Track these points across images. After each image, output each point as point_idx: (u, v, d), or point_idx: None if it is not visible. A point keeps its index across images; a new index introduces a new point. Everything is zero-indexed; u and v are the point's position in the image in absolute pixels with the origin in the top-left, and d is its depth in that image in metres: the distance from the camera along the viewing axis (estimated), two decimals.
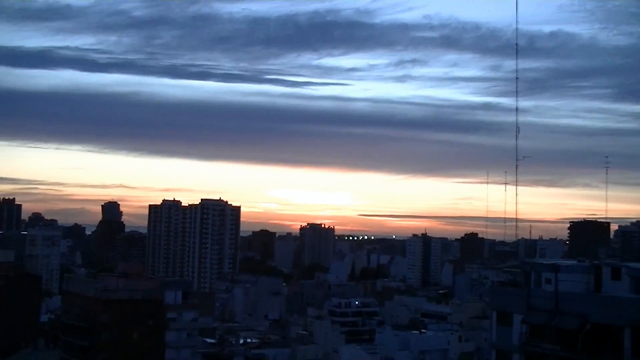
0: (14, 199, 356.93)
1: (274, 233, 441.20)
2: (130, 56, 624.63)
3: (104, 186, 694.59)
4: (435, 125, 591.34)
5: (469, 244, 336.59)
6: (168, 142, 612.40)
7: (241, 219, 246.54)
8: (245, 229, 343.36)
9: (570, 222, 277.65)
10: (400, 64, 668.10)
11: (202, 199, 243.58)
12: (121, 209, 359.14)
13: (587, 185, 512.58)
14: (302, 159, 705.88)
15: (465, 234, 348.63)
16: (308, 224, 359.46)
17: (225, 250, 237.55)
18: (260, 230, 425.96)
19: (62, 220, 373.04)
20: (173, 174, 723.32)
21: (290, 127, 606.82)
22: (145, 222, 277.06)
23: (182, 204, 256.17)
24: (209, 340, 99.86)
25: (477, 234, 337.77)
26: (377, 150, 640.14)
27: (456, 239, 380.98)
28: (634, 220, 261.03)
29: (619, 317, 34.88)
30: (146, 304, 65.46)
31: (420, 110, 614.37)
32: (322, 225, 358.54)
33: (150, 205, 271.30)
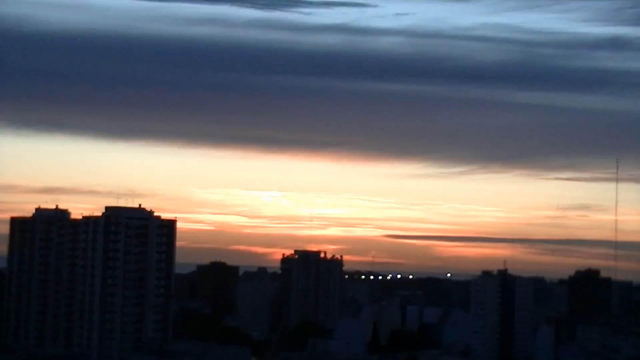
0: None
1: (236, 268, 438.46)
2: None
3: None
4: (521, 78, 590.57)
5: (583, 290, 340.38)
6: (44, 106, 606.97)
7: (178, 243, 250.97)
8: (185, 261, 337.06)
9: None
10: None
11: (107, 207, 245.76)
12: None
13: None
14: (286, 139, 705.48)
15: (577, 272, 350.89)
16: (296, 251, 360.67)
17: (149, 298, 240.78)
18: (212, 264, 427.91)
19: None
20: (54, 164, 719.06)
21: (266, 80, 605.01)
22: (4, 248, 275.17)
23: (72, 215, 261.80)
24: None
25: (598, 270, 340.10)
26: (418, 123, 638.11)
27: (561, 281, 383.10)
28: None
29: None
30: None
31: (496, 52, 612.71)
32: (322, 255, 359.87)
33: (12, 217, 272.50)
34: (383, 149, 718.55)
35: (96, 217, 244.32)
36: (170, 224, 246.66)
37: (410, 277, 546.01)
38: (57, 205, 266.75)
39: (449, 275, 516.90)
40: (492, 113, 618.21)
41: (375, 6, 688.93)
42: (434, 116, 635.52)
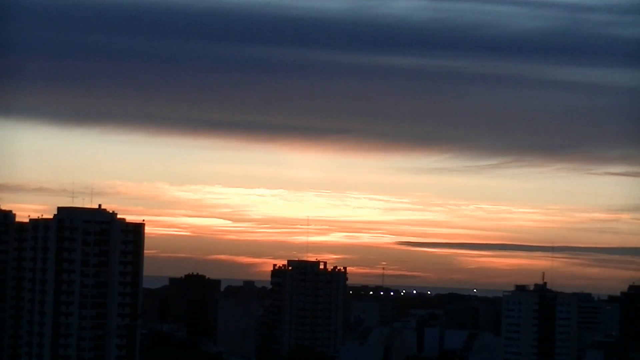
0: None
1: (217, 282, 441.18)
2: None
3: None
4: (565, 51, 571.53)
5: (638, 308, 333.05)
6: None
7: (147, 252, 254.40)
8: (156, 273, 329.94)
9: None
10: None
11: (59, 208, 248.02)
12: None
13: None
14: (278, 124, 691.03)
15: (631, 287, 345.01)
16: (290, 261, 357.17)
17: (112, 319, 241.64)
18: (188, 277, 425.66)
19: None
20: None
21: (253, 53, 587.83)
22: None
23: (17, 218, 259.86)
24: None
25: None
26: (440, 106, 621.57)
27: (611, 297, 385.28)
28: None
29: None
30: None
31: (535, 18, 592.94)
32: (322, 266, 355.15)
33: None
34: (396, 137, 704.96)
35: (47, 220, 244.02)
36: (137, 228, 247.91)
37: (429, 293, 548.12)
38: None
39: (475, 291, 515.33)
40: (529, 93, 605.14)
41: None
42: (459, 97, 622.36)
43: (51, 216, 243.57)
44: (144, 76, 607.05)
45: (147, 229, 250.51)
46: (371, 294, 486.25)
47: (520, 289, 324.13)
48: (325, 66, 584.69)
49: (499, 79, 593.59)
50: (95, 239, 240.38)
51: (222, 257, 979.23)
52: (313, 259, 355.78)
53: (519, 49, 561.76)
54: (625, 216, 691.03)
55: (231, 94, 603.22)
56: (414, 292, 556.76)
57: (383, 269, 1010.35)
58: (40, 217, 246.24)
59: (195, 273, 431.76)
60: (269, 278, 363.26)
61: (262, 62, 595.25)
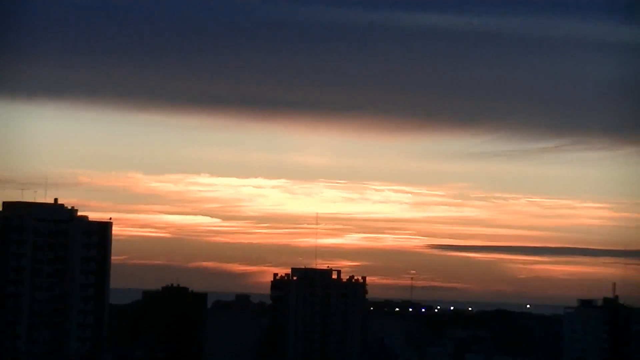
0: None
1: (203, 295, 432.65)
2: None
3: None
4: (634, 7, 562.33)
5: None
6: None
7: (115, 258, 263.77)
8: (126, 285, 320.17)
9: None
10: None
11: (5, 203, 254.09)
12: None
13: None
14: (280, 100, 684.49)
15: None
16: (295, 270, 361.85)
17: (70, 342, 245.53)
18: (166, 289, 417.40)
19: None
20: None
21: (250, 13, 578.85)
22: None
23: None
24: None
25: None
26: (479, 75, 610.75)
27: None
28: None
29: None
30: None
31: None
32: (334, 275, 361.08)
33: None
34: (427, 114, 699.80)
35: None
36: (103, 228, 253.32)
37: (470, 309, 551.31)
38: None
39: (528, 306, 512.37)
40: (593, 59, 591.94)
41: None
42: (507, 64, 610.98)
43: None
44: (115, 42, 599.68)
45: (115, 229, 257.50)
46: (397, 311, 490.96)
47: (586, 304, 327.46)
48: (336, 25, 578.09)
49: (557, 42, 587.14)
50: (50, 242, 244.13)
51: (209, 264, 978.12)
52: (323, 267, 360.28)
53: (576, 5, 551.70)
54: None
55: (222, 64, 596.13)
56: (451, 308, 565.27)
57: (412, 278, 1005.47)
58: None
59: (175, 284, 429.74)
60: (268, 291, 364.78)
61: (259, 23, 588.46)
